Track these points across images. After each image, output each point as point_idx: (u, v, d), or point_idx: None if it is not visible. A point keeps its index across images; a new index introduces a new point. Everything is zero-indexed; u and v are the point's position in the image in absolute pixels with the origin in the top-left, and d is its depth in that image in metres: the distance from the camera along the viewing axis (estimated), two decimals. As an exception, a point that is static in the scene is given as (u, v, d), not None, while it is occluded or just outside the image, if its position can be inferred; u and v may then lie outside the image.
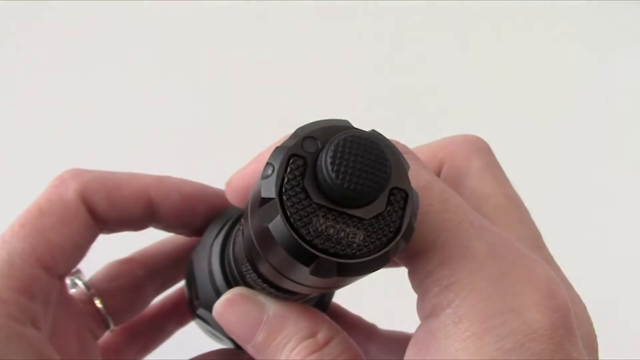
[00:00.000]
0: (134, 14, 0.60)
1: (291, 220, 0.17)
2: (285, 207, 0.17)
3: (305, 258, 0.17)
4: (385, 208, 0.18)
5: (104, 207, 0.27)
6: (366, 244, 0.17)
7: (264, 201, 0.17)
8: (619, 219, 0.54)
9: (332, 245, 0.17)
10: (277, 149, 0.18)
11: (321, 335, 0.22)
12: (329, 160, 0.17)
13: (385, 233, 0.18)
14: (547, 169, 0.55)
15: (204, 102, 0.56)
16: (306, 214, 0.17)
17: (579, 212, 0.53)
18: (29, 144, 0.54)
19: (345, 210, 0.17)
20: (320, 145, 0.18)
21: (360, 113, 0.56)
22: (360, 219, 0.17)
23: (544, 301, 0.18)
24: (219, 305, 0.24)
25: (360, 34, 0.60)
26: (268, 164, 0.18)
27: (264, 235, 0.18)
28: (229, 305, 0.23)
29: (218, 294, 0.25)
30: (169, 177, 0.29)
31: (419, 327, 0.21)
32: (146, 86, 0.56)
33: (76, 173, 0.26)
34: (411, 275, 0.21)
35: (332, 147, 0.17)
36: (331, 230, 0.17)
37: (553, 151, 0.57)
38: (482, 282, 0.19)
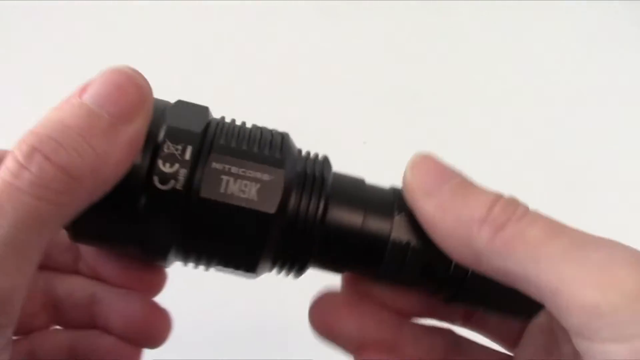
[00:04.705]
0: (135, 12, 0.60)
1: None
2: None
3: None
4: None
5: None
6: None
7: None
8: (618, 218, 0.54)
9: None
10: None
11: None
12: None
13: None
14: (548, 169, 0.55)
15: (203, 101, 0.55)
16: None
17: (578, 212, 0.53)
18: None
19: None
20: None
21: (360, 111, 0.55)
22: None
23: None
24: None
25: (360, 33, 0.60)
26: None
27: None
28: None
29: None
30: None
31: None
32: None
33: None
34: None
35: None
36: None
37: (553, 150, 0.57)
38: None
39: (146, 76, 0.21)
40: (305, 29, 0.60)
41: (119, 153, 0.18)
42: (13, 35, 0.59)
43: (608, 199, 0.55)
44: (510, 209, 0.19)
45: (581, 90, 0.60)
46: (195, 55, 0.59)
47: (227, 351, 0.45)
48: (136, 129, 0.18)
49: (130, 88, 0.18)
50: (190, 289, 0.42)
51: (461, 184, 0.20)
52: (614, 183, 0.55)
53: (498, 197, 0.19)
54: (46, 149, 0.16)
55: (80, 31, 0.60)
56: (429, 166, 0.20)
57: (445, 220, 0.19)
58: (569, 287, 0.17)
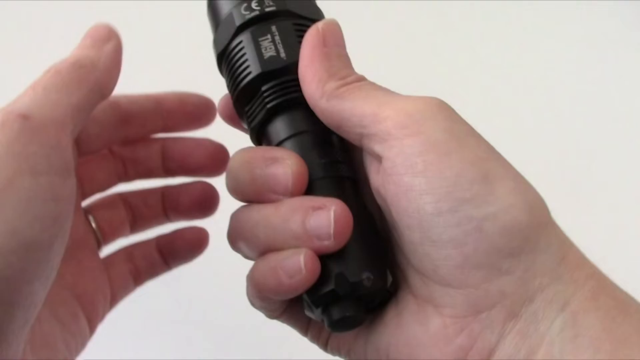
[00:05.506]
0: (130, 12, 0.60)
1: None
2: None
3: None
4: None
5: None
6: None
7: None
8: (619, 221, 0.54)
9: None
10: None
11: None
12: None
13: None
14: (548, 170, 0.55)
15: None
16: None
17: (578, 213, 0.53)
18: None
19: None
20: None
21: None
22: None
23: None
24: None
25: (359, 33, 0.60)
26: None
27: None
28: None
29: None
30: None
31: None
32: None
33: None
34: None
35: None
36: None
37: (553, 150, 0.57)
38: None
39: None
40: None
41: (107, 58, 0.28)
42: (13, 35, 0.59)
43: (609, 199, 0.55)
44: (353, 79, 0.26)
45: (582, 90, 0.60)
46: (194, 54, 0.59)
47: (228, 351, 0.46)
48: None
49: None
50: (192, 290, 0.42)
51: (340, 54, 0.26)
52: (614, 182, 0.56)
53: (351, 74, 0.26)
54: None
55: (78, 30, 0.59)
56: (334, 33, 0.27)
57: (310, 69, 0.26)
58: (381, 108, 0.24)
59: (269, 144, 0.27)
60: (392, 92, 0.26)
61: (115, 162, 0.33)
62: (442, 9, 0.63)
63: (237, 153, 0.27)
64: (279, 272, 0.24)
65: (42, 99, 0.24)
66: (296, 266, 0.23)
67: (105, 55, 0.27)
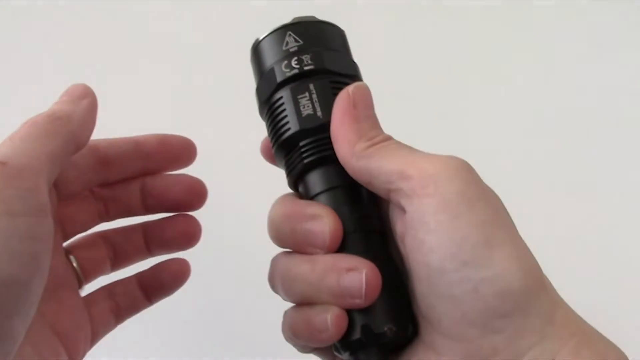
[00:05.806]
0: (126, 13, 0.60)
1: None
2: None
3: None
4: None
5: None
6: None
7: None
8: (618, 221, 0.54)
9: None
10: None
11: None
12: None
13: None
14: (546, 171, 0.55)
15: (204, 101, 0.56)
16: None
17: (578, 215, 0.53)
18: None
19: None
20: None
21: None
22: None
23: None
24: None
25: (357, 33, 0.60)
26: None
27: None
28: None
29: None
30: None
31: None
32: (143, 86, 0.56)
33: None
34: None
35: None
36: None
37: (552, 152, 0.57)
38: None
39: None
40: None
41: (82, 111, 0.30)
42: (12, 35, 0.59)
43: (609, 199, 0.55)
44: (380, 139, 0.28)
45: (582, 91, 0.59)
46: (194, 55, 0.59)
47: (228, 351, 0.46)
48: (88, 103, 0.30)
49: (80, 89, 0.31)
50: (194, 290, 0.42)
51: (368, 116, 0.29)
52: (614, 185, 0.55)
53: (378, 134, 0.28)
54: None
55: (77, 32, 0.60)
56: (363, 96, 0.29)
57: (341, 131, 0.28)
58: (406, 167, 0.26)
59: (306, 192, 0.30)
60: (416, 151, 0.28)
61: (96, 203, 0.34)
62: (443, 9, 0.63)
63: (278, 205, 0.30)
64: (311, 326, 0.27)
65: (19, 148, 0.26)
66: (324, 324, 0.26)
67: (80, 110, 0.29)
